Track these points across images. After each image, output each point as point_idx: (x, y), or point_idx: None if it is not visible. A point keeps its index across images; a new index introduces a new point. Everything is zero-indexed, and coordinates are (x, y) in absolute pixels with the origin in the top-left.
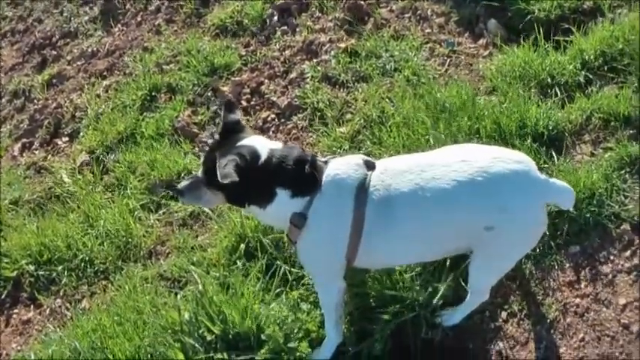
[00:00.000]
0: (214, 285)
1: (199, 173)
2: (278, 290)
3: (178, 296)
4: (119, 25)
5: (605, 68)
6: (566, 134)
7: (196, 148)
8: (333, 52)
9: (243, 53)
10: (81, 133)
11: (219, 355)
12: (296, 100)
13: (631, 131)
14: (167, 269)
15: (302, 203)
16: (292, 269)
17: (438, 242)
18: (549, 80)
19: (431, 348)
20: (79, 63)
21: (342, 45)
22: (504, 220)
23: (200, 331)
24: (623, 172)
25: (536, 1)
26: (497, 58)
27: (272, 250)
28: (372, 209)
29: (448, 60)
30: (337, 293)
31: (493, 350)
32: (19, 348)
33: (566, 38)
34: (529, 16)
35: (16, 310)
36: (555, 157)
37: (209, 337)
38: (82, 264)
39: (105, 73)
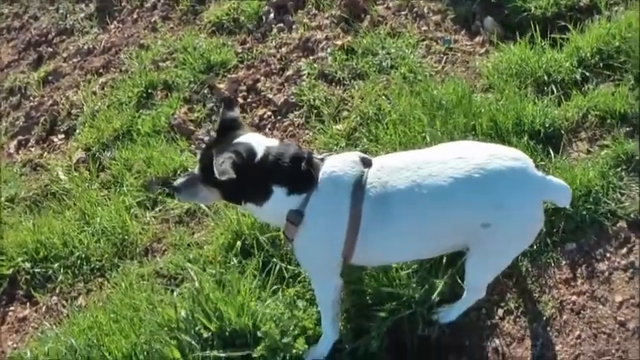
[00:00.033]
0: (210, 282)
1: (196, 170)
2: (274, 287)
3: (174, 293)
4: (115, 22)
5: (602, 66)
6: (563, 132)
7: (192, 146)
8: (329, 50)
9: (240, 50)
10: (77, 131)
11: (215, 353)
12: (292, 97)
13: (627, 129)
14: (163, 266)
15: (298, 200)
16: (289, 267)
17: (434, 239)
18: (546, 78)
19: (427, 345)
20: (74, 60)
21: (339, 42)
22: (501, 217)
23: (196, 329)
24: (619, 169)
25: None
26: (494, 56)
27: (268, 247)
28: (368, 206)
29: (444, 57)
30: (334, 290)
31: (489, 347)
32: (15, 345)
33: (563, 36)
34: (525, 14)
35: (12, 308)
36: (552, 154)
37: (205, 335)
38: (78, 261)
39: (101, 71)
